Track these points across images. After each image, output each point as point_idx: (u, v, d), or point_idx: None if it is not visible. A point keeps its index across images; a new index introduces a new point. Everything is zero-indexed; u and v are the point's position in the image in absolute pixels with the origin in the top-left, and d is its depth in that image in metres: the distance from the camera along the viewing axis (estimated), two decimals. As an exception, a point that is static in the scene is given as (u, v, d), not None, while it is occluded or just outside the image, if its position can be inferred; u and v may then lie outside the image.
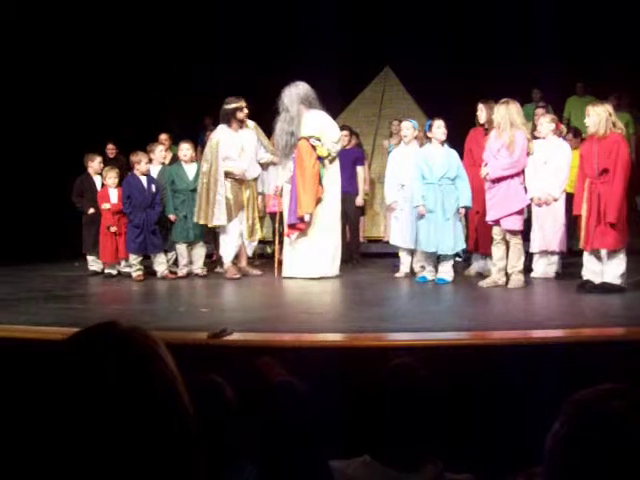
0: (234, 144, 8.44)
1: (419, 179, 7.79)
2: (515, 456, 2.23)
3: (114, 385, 1.08)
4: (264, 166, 8.80)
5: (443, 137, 7.81)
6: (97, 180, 9.20)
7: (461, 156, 8.03)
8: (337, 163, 8.41)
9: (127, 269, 8.66)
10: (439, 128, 7.81)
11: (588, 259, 6.75)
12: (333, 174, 8.34)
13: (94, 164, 9.23)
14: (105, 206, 8.67)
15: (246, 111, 8.49)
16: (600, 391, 1.35)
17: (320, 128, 8.17)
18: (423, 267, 7.99)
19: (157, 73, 12.07)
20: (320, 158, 8.13)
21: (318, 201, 8.14)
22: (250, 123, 8.65)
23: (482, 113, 8.08)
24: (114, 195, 8.72)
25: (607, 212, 6.46)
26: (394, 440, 2.32)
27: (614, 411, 1.28)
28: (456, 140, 8.33)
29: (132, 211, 8.44)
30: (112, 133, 10.87)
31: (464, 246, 7.90)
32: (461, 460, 2.45)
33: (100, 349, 1.12)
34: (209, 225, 8.43)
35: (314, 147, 8.10)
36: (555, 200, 7.74)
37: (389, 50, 12.32)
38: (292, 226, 8.17)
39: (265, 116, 8.75)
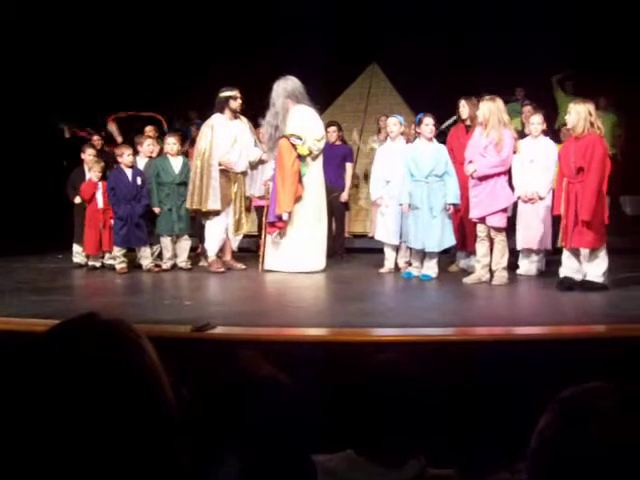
0: (227, 133, 8.44)
1: (407, 176, 7.79)
2: (499, 452, 2.24)
3: (94, 377, 1.07)
4: (252, 165, 8.76)
5: (430, 135, 7.79)
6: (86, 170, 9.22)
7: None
8: (320, 160, 8.43)
9: (111, 261, 8.63)
10: (427, 125, 7.79)
11: (568, 257, 6.80)
12: (315, 171, 8.36)
13: (85, 155, 9.24)
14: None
15: (239, 101, 8.49)
16: (587, 390, 1.35)
17: (302, 126, 8.18)
18: (408, 263, 8.02)
19: (148, 67, 12.03)
20: (301, 157, 8.14)
21: (298, 199, 8.16)
22: (243, 119, 8.65)
23: (464, 109, 8.10)
24: (98, 189, 8.71)
25: (581, 210, 6.49)
26: (377, 435, 2.32)
27: (601, 411, 1.28)
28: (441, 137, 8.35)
29: (115, 203, 8.42)
30: (100, 125, 10.84)
31: (453, 242, 7.86)
32: (445, 456, 2.45)
33: (80, 341, 1.12)
34: (202, 209, 8.36)
35: (294, 146, 8.12)
36: (542, 199, 7.77)
37: (376, 46, 12.34)
38: (272, 224, 8.22)
39: (251, 110, 8.75)
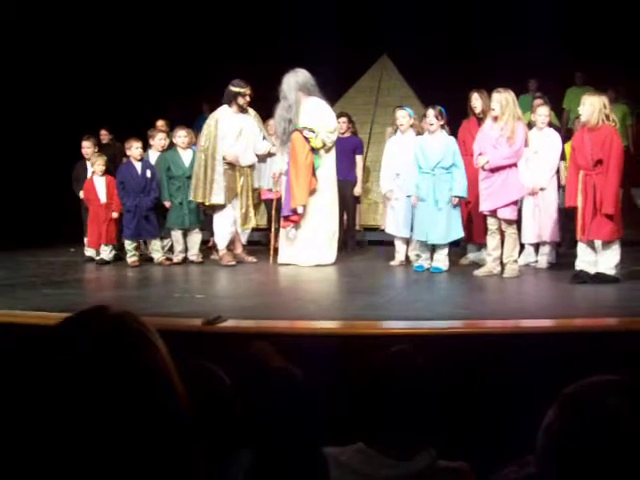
0: (233, 126, 8.41)
1: (415, 168, 7.78)
2: (508, 444, 2.24)
3: (104, 370, 1.08)
4: (260, 158, 8.76)
5: (431, 127, 7.77)
6: (89, 164, 9.24)
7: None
8: (333, 152, 8.40)
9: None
10: (427, 118, 7.80)
11: (582, 250, 6.76)
12: (329, 163, 8.33)
13: (84, 149, 9.26)
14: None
15: (248, 99, 8.44)
16: (595, 385, 1.35)
17: (315, 118, 8.15)
18: (418, 255, 8.00)
19: (156, 58, 12.03)
20: (314, 149, 8.12)
21: (312, 192, 8.15)
22: (251, 111, 8.62)
23: (478, 102, 8.06)
24: (100, 184, 8.74)
25: (604, 203, 6.47)
26: (388, 428, 2.33)
27: (607, 405, 1.28)
28: (453, 129, 8.31)
29: (125, 196, 8.45)
30: (108, 118, 10.85)
31: (461, 235, 7.85)
32: (455, 448, 2.45)
33: (90, 334, 1.12)
34: (206, 203, 8.38)
35: (307, 139, 8.10)
36: (542, 189, 7.77)
37: (386, 38, 12.29)
38: (286, 218, 8.21)
39: (261, 103, 8.73)
